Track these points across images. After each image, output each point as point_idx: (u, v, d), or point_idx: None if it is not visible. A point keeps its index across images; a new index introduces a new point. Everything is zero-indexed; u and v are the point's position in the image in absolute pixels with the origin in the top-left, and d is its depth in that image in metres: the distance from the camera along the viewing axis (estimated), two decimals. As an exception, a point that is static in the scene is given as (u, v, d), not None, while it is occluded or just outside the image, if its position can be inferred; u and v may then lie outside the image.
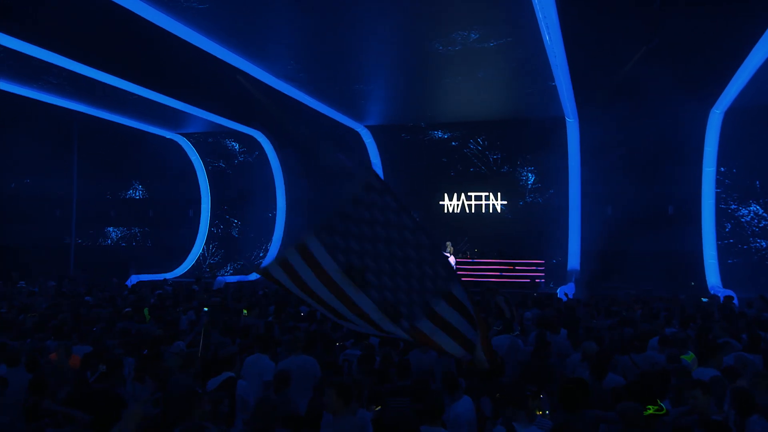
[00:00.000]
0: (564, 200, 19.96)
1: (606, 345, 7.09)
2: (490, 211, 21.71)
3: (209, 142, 24.65)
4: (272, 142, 23.41)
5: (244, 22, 12.97)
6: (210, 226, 24.69)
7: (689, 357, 6.70)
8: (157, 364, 5.48)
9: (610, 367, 6.63)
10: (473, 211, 21.89)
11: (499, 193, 21.65)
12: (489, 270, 18.41)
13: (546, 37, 12.39)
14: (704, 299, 12.75)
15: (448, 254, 18.94)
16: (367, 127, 22.21)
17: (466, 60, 14.89)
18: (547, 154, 20.40)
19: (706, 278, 17.85)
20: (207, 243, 24.53)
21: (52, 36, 13.70)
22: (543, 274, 18.40)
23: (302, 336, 6.86)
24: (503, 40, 13.64)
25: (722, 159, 18.53)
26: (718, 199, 18.60)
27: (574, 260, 19.61)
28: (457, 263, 18.71)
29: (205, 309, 6.96)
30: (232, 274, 23.20)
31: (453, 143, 21.80)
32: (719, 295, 14.55)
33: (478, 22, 12.73)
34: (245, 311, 9.07)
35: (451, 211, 22.13)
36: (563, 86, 15.65)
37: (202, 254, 24.45)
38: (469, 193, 21.98)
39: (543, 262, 18.40)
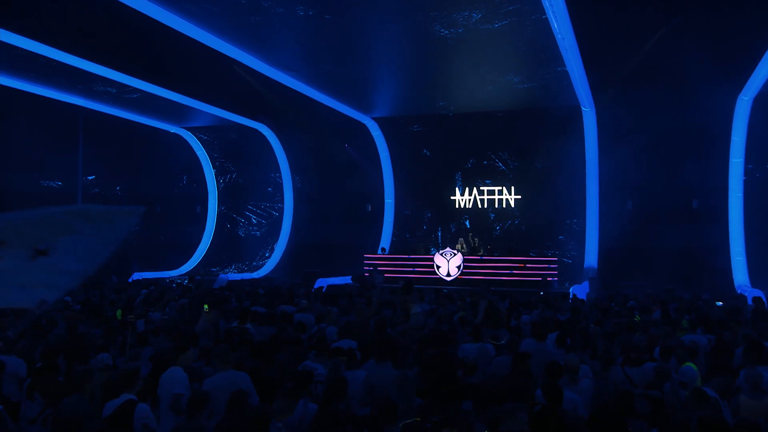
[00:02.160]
0: (581, 194, 18.84)
1: (599, 354, 6.16)
2: (504, 205, 20.71)
3: (214, 136, 24.12)
4: (278, 135, 22.76)
5: (245, 13, 12.48)
6: (216, 223, 24.18)
7: (695, 366, 5.75)
8: (50, 379, 4.74)
9: (600, 381, 5.77)
10: (485, 205, 20.91)
11: (512, 187, 20.63)
12: (499, 268, 17.43)
13: (551, 14, 11.42)
14: (718, 303, 11.53)
15: (457, 252, 18.05)
16: (375, 119, 21.40)
17: (472, 45, 14.14)
18: (563, 145, 19.28)
19: (733, 277, 16.63)
20: (213, 240, 24.01)
21: (54, 32, 13.52)
22: (556, 272, 17.35)
23: (248, 345, 6.08)
24: (507, 20, 12.76)
25: (751, 150, 17.24)
26: (747, 192, 17.30)
27: (591, 257, 18.53)
28: (464, 261, 17.78)
29: (130, 316, 6.23)
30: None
31: (464, 135, 20.72)
32: (746, 295, 13.44)
33: (478, 0, 11.85)
34: (206, 307, 8.30)
35: (462, 206, 21.17)
36: (575, 71, 14.67)
37: (208, 252, 23.92)
38: (481, 188, 21.01)
39: (556, 259, 17.36)
